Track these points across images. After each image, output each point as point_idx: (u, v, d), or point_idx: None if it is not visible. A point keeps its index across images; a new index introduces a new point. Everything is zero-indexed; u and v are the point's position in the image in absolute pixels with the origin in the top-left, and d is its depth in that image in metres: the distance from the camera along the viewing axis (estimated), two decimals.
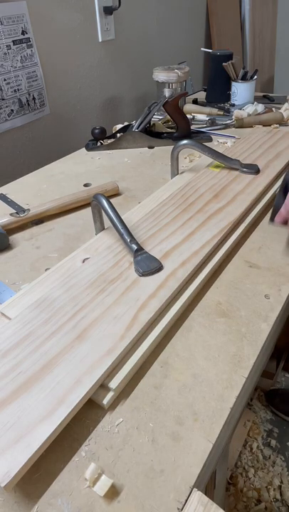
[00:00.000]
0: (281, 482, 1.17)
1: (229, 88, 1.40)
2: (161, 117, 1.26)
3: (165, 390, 0.45)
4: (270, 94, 1.50)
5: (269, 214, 0.66)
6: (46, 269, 0.65)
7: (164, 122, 1.24)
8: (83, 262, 0.63)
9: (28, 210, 0.78)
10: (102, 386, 0.45)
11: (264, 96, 1.49)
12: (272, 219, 0.62)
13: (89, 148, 1.12)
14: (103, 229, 0.71)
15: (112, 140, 1.12)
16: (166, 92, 1.28)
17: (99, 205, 0.66)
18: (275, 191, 0.78)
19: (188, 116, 1.23)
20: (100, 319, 0.51)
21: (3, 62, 0.99)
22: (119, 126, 1.18)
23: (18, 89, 1.05)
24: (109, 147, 1.12)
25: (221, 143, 1.11)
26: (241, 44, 2.04)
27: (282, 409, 1.34)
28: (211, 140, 1.12)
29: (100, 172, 1.00)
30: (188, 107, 1.34)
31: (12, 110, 1.05)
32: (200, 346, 0.50)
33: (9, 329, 0.51)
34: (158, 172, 0.98)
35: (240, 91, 1.37)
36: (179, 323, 0.54)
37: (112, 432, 0.42)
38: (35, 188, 0.93)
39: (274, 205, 0.62)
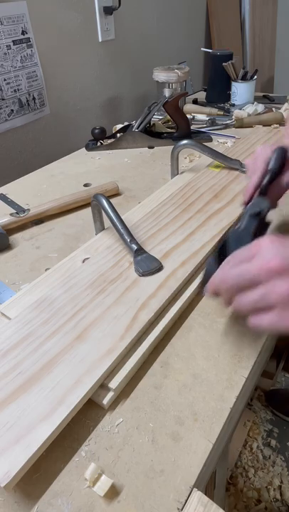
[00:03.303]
0: (281, 482, 1.17)
1: (229, 88, 1.40)
2: (161, 117, 1.26)
3: (165, 390, 0.45)
4: (270, 94, 1.50)
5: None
6: (46, 269, 0.65)
7: (164, 122, 1.24)
8: (83, 262, 0.63)
9: (28, 210, 0.78)
10: (102, 386, 0.45)
11: (264, 96, 1.49)
12: (202, 286, 0.47)
13: (89, 148, 1.12)
14: (103, 229, 0.71)
15: (112, 140, 1.12)
16: (166, 92, 1.28)
17: (99, 205, 0.66)
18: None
19: (188, 116, 1.23)
20: (100, 319, 0.51)
21: (3, 62, 0.99)
22: (119, 126, 1.18)
23: (18, 89, 1.05)
24: (109, 147, 1.12)
25: (221, 143, 1.11)
26: (241, 44, 2.04)
27: (282, 410, 1.34)
28: (211, 140, 1.12)
29: (100, 172, 1.00)
30: (188, 107, 1.34)
31: (12, 110, 1.05)
32: (200, 346, 0.50)
33: (9, 329, 0.51)
34: (158, 172, 0.98)
35: (240, 91, 1.37)
36: (178, 323, 0.54)
37: (112, 432, 0.42)
38: (35, 188, 0.93)
39: (205, 272, 0.49)
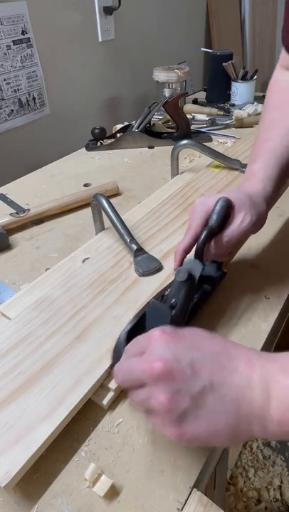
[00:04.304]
0: (281, 482, 1.17)
1: (229, 88, 1.40)
2: (161, 117, 1.26)
3: None
4: None
5: None
6: (46, 269, 0.65)
7: (164, 122, 1.24)
8: (83, 262, 0.63)
9: (28, 210, 0.78)
10: (102, 386, 0.45)
11: (264, 96, 1.49)
12: (113, 363, 0.44)
13: (89, 148, 1.12)
14: (103, 229, 0.71)
15: (112, 140, 1.12)
16: (166, 92, 1.28)
17: (99, 205, 0.66)
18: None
19: (188, 116, 1.23)
20: (100, 319, 0.51)
21: (3, 62, 0.99)
22: (119, 126, 1.18)
23: (18, 89, 1.05)
24: (109, 147, 1.12)
25: (221, 143, 1.11)
26: (241, 44, 2.04)
27: None
28: (211, 140, 1.12)
29: (100, 172, 1.00)
30: (189, 107, 1.34)
31: (12, 110, 1.05)
32: None
33: (9, 329, 0.51)
34: (158, 172, 0.98)
35: (240, 91, 1.37)
36: None
37: (112, 432, 0.42)
38: (35, 188, 0.93)
39: (114, 348, 0.44)
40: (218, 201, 0.48)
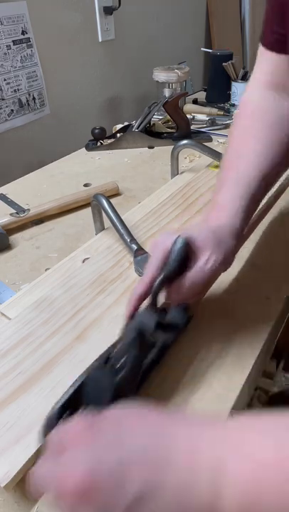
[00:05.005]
0: None
1: (229, 88, 1.40)
2: (161, 117, 1.26)
3: (164, 390, 0.45)
4: None
5: None
6: (46, 269, 0.65)
7: (164, 122, 1.24)
8: (83, 262, 0.63)
9: (28, 210, 0.78)
10: None
11: None
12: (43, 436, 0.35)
13: (89, 148, 1.12)
14: (103, 229, 0.71)
15: (112, 140, 1.12)
16: (166, 92, 1.28)
17: (99, 205, 0.66)
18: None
19: (188, 116, 1.23)
20: (100, 319, 0.51)
21: (3, 62, 0.99)
22: (119, 126, 1.18)
23: (18, 89, 1.05)
24: (109, 147, 1.12)
25: (221, 143, 1.11)
26: (241, 44, 2.04)
27: None
28: (211, 140, 1.12)
29: (100, 172, 1.00)
30: (189, 107, 1.34)
31: (12, 110, 1.05)
32: (200, 346, 0.50)
33: (9, 329, 0.51)
34: (158, 172, 0.98)
35: (240, 91, 1.37)
36: None
37: None
38: (35, 188, 0.93)
39: (44, 424, 0.36)
40: (175, 241, 0.42)
